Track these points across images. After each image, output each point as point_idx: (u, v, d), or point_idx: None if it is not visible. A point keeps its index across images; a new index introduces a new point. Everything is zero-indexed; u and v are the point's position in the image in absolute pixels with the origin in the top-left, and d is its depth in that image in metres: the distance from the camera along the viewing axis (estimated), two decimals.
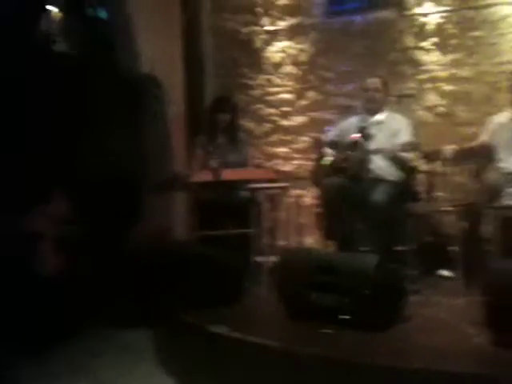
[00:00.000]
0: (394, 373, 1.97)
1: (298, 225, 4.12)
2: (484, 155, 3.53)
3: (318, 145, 3.78)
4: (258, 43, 5.01)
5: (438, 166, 3.69)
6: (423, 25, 4.43)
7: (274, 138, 4.97)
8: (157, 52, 4.38)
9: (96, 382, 2.51)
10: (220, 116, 4.02)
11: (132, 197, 3.96)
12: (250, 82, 5.04)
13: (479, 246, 3.13)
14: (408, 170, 3.50)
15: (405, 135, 3.50)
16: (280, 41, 4.93)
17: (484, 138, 3.57)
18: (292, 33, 4.89)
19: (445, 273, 3.44)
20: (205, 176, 3.68)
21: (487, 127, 3.59)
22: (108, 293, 3.18)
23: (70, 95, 3.60)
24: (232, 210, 3.78)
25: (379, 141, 3.45)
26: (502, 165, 3.42)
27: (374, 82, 3.67)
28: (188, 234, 4.20)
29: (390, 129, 3.55)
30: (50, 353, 2.76)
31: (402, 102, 4.04)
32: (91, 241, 3.40)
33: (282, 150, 4.95)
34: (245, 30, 5.06)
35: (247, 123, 4.92)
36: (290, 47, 4.90)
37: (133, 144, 3.96)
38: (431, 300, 2.84)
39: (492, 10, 4.22)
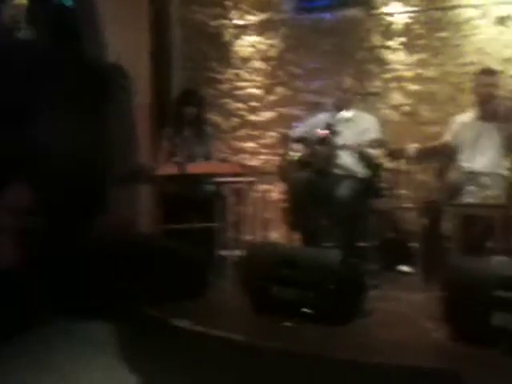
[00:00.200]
0: (354, 366, 1.99)
1: (264, 219, 4.14)
2: (446, 154, 3.61)
3: (286, 140, 3.81)
4: (226, 37, 4.99)
5: (401, 164, 3.76)
6: (390, 24, 4.49)
7: (242, 132, 4.97)
8: (124, 42, 4.31)
9: (54, 373, 2.47)
10: (187, 109, 3.99)
11: (96, 188, 3.90)
12: (219, 76, 5.02)
13: (439, 243, 3.21)
14: (374, 166, 3.56)
15: (373, 134, 3.55)
16: (249, 35, 4.92)
17: (447, 137, 3.65)
18: (261, 28, 4.89)
19: (405, 268, 3.51)
20: (170, 169, 3.66)
21: (450, 127, 3.67)
22: (69, 285, 3.12)
23: (33, 83, 3.52)
24: (197, 203, 3.77)
25: (347, 138, 3.49)
26: (463, 164, 3.50)
27: (347, 81, 3.71)
28: (153, 227, 4.17)
29: (359, 127, 3.60)
30: (9, 345, 2.70)
31: (368, 100, 4.10)
32: (52, 232, 3.33)
33: (249, 144, 4.95)
34: (214, 23, 5.03)
35: (215, 117, 4.90)
36: (259, 42, 4.89)
37: (98, 135, 3.90)
38: (391, 295, 2.89)
39: (456, 12, 4.31)
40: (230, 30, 4.97)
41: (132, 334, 2.78)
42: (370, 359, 2.00)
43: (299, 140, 3.69)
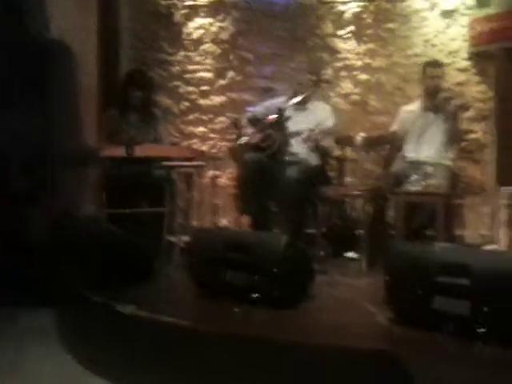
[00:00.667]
0: (299, 349, 2.01)
1: (213, 205, 4.12)
2: (393, 144, 3.69)
3: (239, 123, 3.80)
4: (177, 17, 4.89)
5: (348, 152, 3.82)
6: (342, 13, 4.52)
7: (192, 116, 4.90)
8: (69, 19, 4.15)
9: None
10: (134, 91, 3.87)
11: (38, 171, 3.76)
12: (169, 58, 4.92)
13: (383, 230, 3.29)
14: (325, 153, 3.60)
15: (328, 123, 3.59)
16: (201, 17, 4.84)
17: (394, 127, 3.73)
18: (213, 10, 4.82)
19: (350, 254, 3.58)
20: (117, 151, 3.56)
21: (397, 117, 3.75)
22: (9, 271, 3.01)
23: None
24: (145, 187, 3.70)
25: (301, 125, 3.52)
26: (408, 153, 3.59)
27: (311, 78, 3.70)
28: (98, 212, 4.06)
29: (314, 115, 3.62)
30: None
31: (319, 88, 4.11)
32: None
33: (199, 129, 4.89)
34: (164, 2, 4.91)
35: (164, 100, 4.81)
36: (210, 24, 4.82)
37: (40, 115, 3.75)
38: (337, 280, 2.95)
39: (405, 3, 4.39)
40: (181, 11, 4.88)
41: (76, 320, 2.72)
42: (314, 341, 2.03)
43: (252, 122, 3.70)
